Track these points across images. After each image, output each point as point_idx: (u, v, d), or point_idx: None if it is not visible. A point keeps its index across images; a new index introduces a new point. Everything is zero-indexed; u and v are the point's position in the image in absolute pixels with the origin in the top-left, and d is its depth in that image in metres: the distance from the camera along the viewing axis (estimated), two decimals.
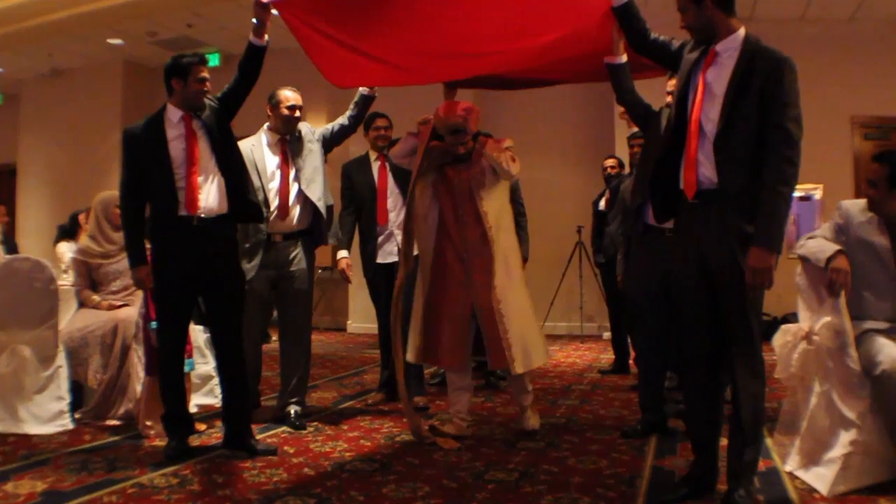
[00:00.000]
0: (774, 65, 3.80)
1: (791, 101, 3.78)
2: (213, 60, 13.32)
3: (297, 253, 6.11)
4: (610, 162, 8.85)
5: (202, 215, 5.07)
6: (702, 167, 3.92)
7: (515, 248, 5.77)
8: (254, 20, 5.08)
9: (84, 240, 6.87)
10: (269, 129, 6.12)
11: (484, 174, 5.53)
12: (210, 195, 5.12)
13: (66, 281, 7.08)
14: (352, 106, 6.38)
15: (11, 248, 9.93)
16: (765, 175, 3.75)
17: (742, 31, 3.96)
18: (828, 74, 11.34)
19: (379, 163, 7.01)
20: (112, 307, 6.40)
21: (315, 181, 6.11)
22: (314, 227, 6.18)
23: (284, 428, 5.88)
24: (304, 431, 5.80)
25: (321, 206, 6.10)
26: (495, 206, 5.57)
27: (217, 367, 5.41)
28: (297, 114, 6.06)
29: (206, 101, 5.20)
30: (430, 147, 5.56)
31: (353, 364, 7.27)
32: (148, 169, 5.12)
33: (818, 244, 4.57)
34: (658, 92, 5.81)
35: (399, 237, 6.47)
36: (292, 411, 6.03)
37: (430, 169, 5.61)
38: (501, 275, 5.48)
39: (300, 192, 6.05)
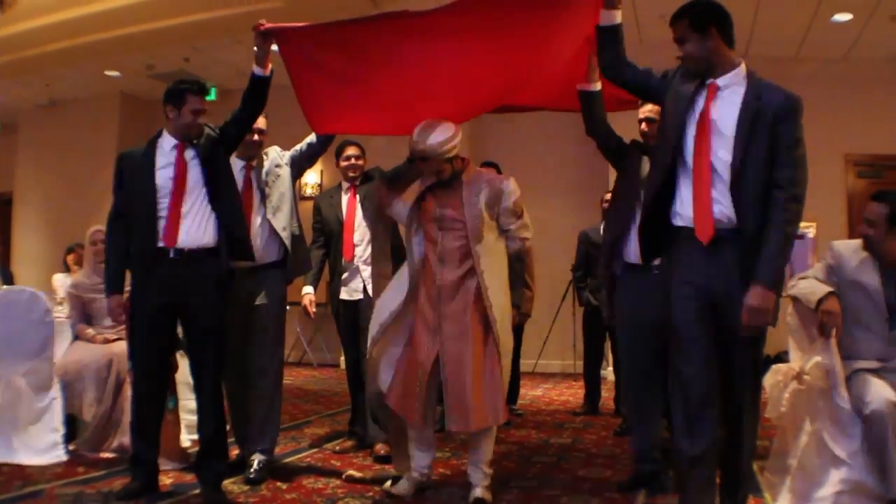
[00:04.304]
0: (785, 103, 3.78)
1: (800, 138, 3.77)
2: (210, 95, 13.35)
3: (263, 286, 5.67)
4: (609, 196, 8.82)
5: (181, 247, 4.92)
6: (718, 207, 3.84)
7: (503, 295, 5.08)
8: (255, 49, 4.98)
9: (78, 274, 6.90)
10: (236, 154, 5.58)
11: (469, 205, 4.95)
12: (193, 228, 4.95)
13: (60, 313, 7.08)
14: None
15: (7, 277, 9.90)
16: (772, 213, 3.72)
17: (743, 66, 3.93)
18: (822, 112, 11.34)
19: (349, 195, 6.53)
20: (107, 341, 6.40)
21: (281, 210, 5.73)
22: (284, 259, 5.77)
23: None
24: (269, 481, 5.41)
25: (286, 236, 5.69)
26: (484, 245, 4.97)
27: (196, 403, 5.20)
28: (258, 137, 5.66)
29: (206, 130, 5.10)
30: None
31: (346, 400, 7.12)
32: (133, 195, 5.05)
33: (809, 285, 4.58)
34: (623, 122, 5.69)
35: (365, 273, 6.23)
36: (255, 462, 5.52)
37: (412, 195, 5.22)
38: (477, 326, 4.88)
39: (265, 222, 5.67)
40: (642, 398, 5.42)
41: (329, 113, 5.25)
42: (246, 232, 5.33)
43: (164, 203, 4.94)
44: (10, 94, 14.52)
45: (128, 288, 5.18)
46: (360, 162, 6.52)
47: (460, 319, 4.87)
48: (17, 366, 5.95)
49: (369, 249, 5.99)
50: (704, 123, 3.89)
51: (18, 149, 16.27)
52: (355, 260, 6.39)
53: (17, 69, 12.81)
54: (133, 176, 5.07)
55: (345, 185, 6.59)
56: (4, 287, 7.57)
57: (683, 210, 3.97)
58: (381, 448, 6.06)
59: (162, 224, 4.93)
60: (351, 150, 6.49)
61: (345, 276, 6.43)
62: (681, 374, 3.97)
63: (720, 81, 3.90)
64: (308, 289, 6.44)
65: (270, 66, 5.02)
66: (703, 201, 3.86)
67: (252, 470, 5.46)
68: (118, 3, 10.14)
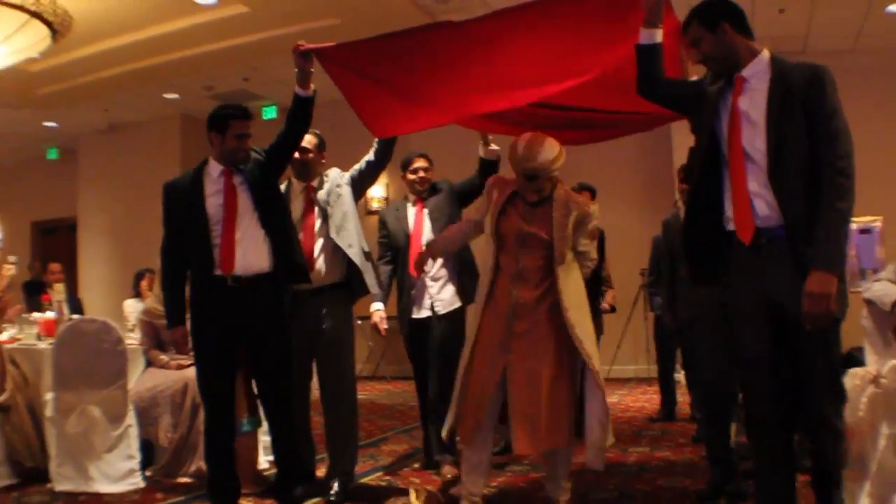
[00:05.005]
0: (812, 76, 3.57)
1: (837, 109, 3.55)
2: (271, 113, 13.48)
3: (327, 308, 5.58)
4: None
5: (239, 274, 4.88)
6: (758, 201, 3.64)
7: (585, 315, 4.87)
8: (296, 70, 4.91)
9: (149, 300, 6.88)
10: (294, 176, 5.65)
11: (558, 226, 4.77)
12: (249, 254, 4.91)
13: (132, 339, 7.06)
14: (376, 145, 5.78)
15: (75, 305, 9.89)
16: (820, 193, 3.49)
17: (766, 53, 3.74)
18: (883, 103, 11.18)
19: (416, 208, 6.31)
20: (181, 367, 6.35)
21: (345, 227, 5.60)
22: (351, 278, 5.63)
23: None
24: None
25: (353, 253, 5.55)
26: (564, 266, 4.77)
27: (269, 428, 5.25)
28: (303, 156, 5.54)
29: (253, 154, 5.03)
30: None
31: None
32: (185, 226, 5.02)
33: (883, 288, 4.47)
34: None
35: (433, 289, 6.14)
36: (336, 483, 5.50)
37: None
38: (552, 345, 4.70)
39: (328, 241, 5.56)
40: (714, 405, 5.31)
41: (384, 117, 5.18)
42: (301, 255, 5.30)
43: (216, 231, 4.91)
44: (68, 121, 14.65)
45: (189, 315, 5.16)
46: (428, 174, 6.32)
47: (535, 339, 4.71)
48: (91, 395, 5.92)
49: (438, 265, 5.97)
50: (734, 116, 3.74)
51: (79, 174, 16.40)
52: (423, 276, 6.07)
53: (75, 96, 12.92)
54: (182, 206, 5.04)
55: (411, 197, 6.39)
56: (74, 316, 7.58)
57: (729, 212, 3.79)
58: (448, 471, 5.91)
59: (217, 252, 4.89)
60: (419, 163, 6.30)
61: (413, 292, 6.22)
62: (748, 394, 3.87)
63: (745, 73, 3.74)
64: (377, 305, 6.11)
65: (313, 86, 4.95)
66: (741, 196, 3.69)
67: (333, 492, 5.43)
68: (176, 26, 10.19)
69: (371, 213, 12.85)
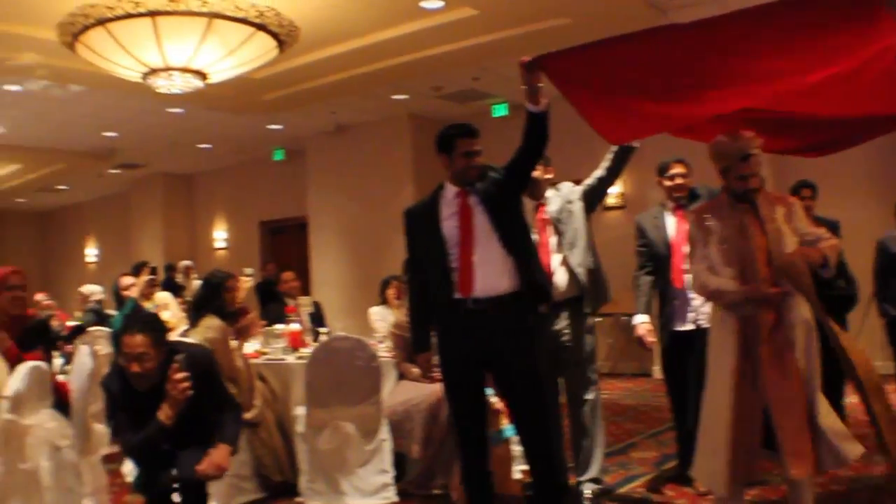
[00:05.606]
0: None
1: None
2: (501, 110, 13.46)
3: (567, 322, 5.64)
4: None
5: (479, 296, 4.80)
6: None
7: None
8: (522, 87, 4.66)
9: (399, 312, 6.90)
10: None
11: (779, 222, 4.60)
12: (488, 276, 4.80)
13: (382, 351, 7.09)
14: (609, 155, 5.70)
15: (317, 316, 9.93)
16: None
17: None
18: None
19: (676, 216, 6.03)
20: (434, 381, 6.31)
21: (576, 245, 5.62)
22: (584, 293, 5.64)
23: None
24: None
25: (580, 273, 5.58)
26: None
27: (522, 446, 5.17)
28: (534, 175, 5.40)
29: (490, 173, 4.93)
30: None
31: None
32: (424, 250, 5.03)
33: None
34: None
35: (696, 302, 5.81)
36: (587, 492, 5.60)
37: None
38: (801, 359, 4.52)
39: (562, 259, 5.60)
40: None
41: (616, 124, 4.94)
42: (543, 275, 5.22)
43: (454, 253, 4.86)
44: (294, 123, 14.94)
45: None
46: (686, 181, 6.05)
47: (784, 360, 4.50)
48: (344, 411, 6.02)
49: None
50: None
51: (307, 175, 16.70)
52: (685, 287, 5.81)
53: (303, 99, 13.12)
54: (421, 231, 5.06)
55: (669, 204, 6.10)
56: (322, 330, 7.72)
57: None
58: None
59: (455, 275, 4.85)
60: (676, 169, 6.04)
61: (676, 303, 5.94)
62: None
63: None
64: (641, 317, 6.00)
65: (544, 100, 4.69)
66: None
67: (585, 500, 5.52)
68: (402, 31, 10.20)
69: (609, 209, 12.42)
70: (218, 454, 4.45)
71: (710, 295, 4.77)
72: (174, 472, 4.49)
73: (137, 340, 4.38)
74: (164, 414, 4.41)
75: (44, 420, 4.59)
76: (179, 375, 4.41)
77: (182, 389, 4.41)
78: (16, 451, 4.41)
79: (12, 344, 5.35)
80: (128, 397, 4.51)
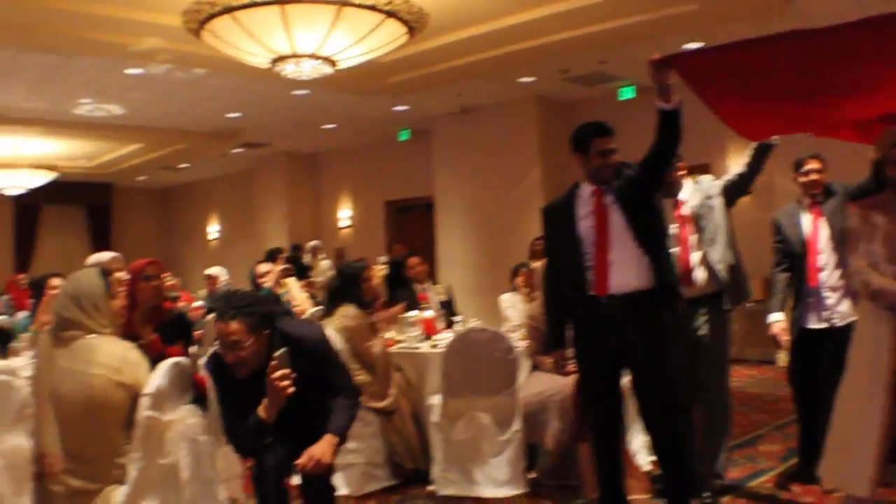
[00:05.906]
0: None
1: None
2: (628, 93, 13.27)
3: (704, 318, 5.63)
4: None
5: (614, 294, 4.83)
6: None
7: None
8: (654, 84, 4.61)
9: (535, 304, 6.89)
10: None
11: None
12: (624, 275, 4.84)
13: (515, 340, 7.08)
14: (749, 152, 5.70)
15: (449, 304, 9.89)
16: None
17: None
18: None
19: (812, 213, 5.93)
20: (568, 373, 6.33)
21: (716, 241, 5.60)
22: (724, 289, 5.63)
23: None
24: None
25: (720, 269, 5.56)
26: None
27: (653, 445, 5.19)
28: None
29: (626, 170, 4.93)
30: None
31: (790, 406, 6.62)
32: (561, 248, 5.06)
33: None
34: None
35: (829, 300, 5.75)
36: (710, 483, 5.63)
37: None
38: None
39: (704, 253, 5.59)
40: None
41: (754, 122, 5.00)
42: (674, 274, 5.23)
43: (589, 253, 4.89)
44: (422, 105, 14.93)
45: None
46: (821, 177, 5.95)
47: None
48: (480, 402, 6.09)
49: (836, 274, 5.68)
50: None
51: (433, 155, 16.71)
52: (820, 285, 5.78)
53: (430, 82, 13.12)
54: (557, 229, 5.12)
55: (805, 201, 6.01)
56: (455, 319, 7.77)
57: None
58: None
59: (590, 274, 4.88)
60: (811, 164, 5.95)
61: (809, 300, 5.85)
62: None
63: None
64: (776, 315, 5.95)
65: (676, 97, 4.61)
66: None
67: (707, 494, 5.51)
68: (530, 16, 10.17)
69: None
70: (320, 448, 4.23)
71: (871, 294, 4.46)
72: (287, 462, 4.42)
73: (232, 328, 4.22)
74: (265, 412, 4.26)
75: (184, 416, 4.57)
76: (278, 374, 4.18)
77: (281, 388, 4.19)
78: (155, 446, 4.41)
79: (156, 337, 5.50)
80: (229, 385, 4.43)
